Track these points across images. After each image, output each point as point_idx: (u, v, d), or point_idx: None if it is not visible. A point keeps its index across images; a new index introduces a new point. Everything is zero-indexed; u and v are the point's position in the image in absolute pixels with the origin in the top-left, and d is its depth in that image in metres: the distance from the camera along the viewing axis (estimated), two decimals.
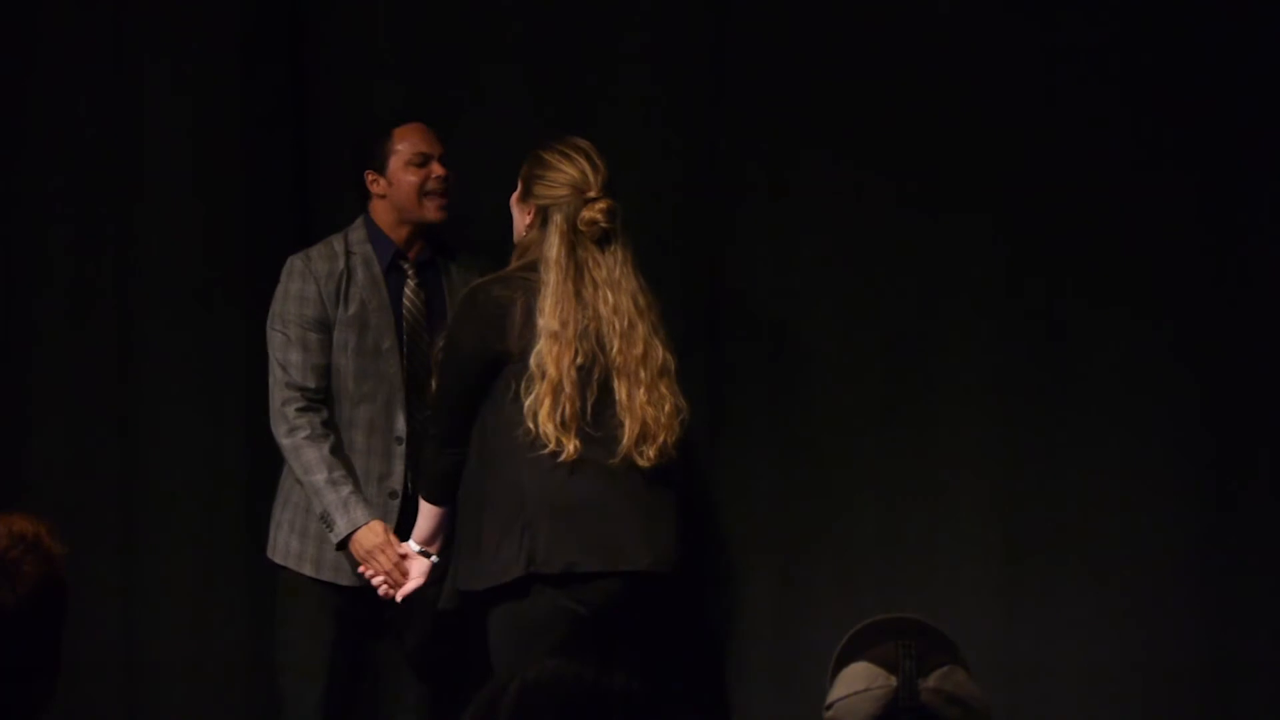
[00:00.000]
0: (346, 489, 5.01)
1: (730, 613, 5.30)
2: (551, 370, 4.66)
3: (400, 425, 5.09)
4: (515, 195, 4.87)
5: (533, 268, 4.77)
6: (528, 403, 4.66)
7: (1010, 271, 5.14)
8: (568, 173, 4.78)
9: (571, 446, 4.63)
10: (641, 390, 4.70)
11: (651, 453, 4.68)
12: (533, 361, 4.67)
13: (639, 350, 4.73)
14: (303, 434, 5.02)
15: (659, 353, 4.74)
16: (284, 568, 5.13)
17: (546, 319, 4.70)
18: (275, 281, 5.15)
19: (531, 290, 4.73)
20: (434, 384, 4.92)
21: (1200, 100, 5.01)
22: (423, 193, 5.11)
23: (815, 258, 5.27)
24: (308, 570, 5.09)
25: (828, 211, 5.24)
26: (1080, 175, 5.09)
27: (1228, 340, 4.99)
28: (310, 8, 5.59)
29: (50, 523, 2.66)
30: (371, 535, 4.99)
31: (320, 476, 5.00)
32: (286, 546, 5.12)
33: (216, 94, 5.53)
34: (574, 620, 4.65)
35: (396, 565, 4.97)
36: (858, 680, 2.64)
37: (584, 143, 4.82)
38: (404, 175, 5.11)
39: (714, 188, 5.33)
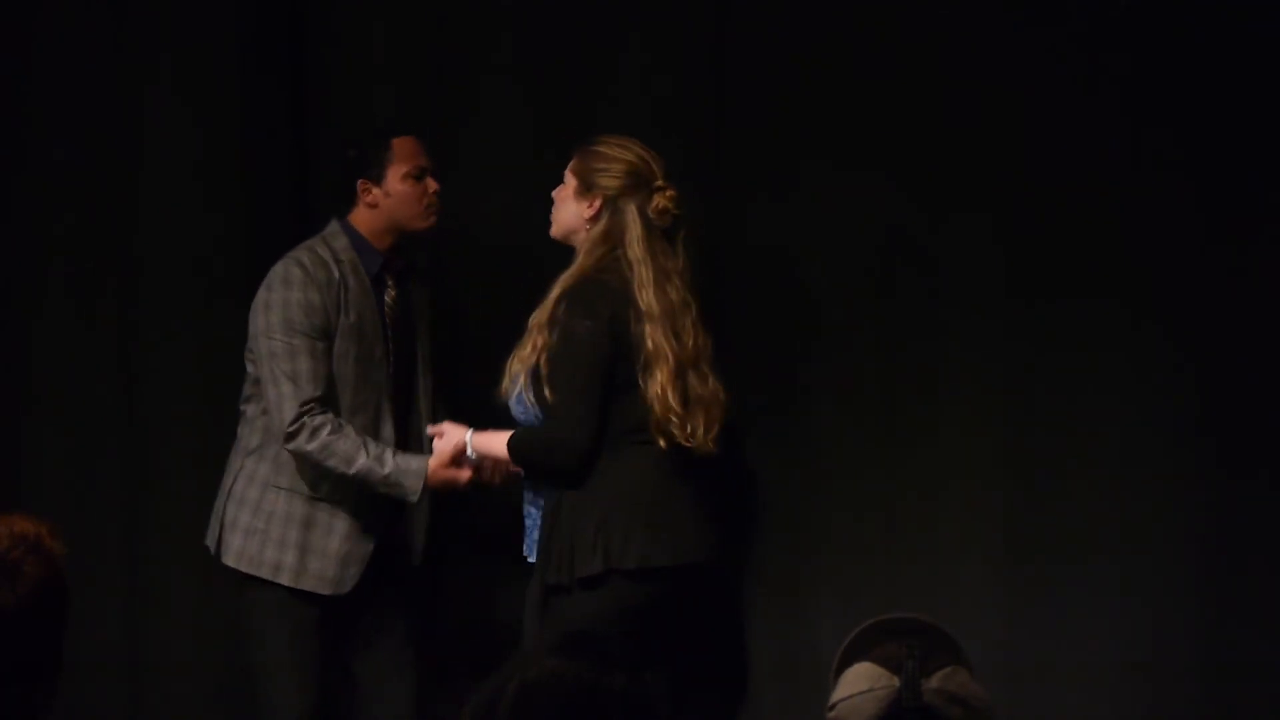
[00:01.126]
0: (388, 454, 4.99)
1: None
2: (671, 354, 4.77)
3: (388, 432, 5.10)
4: (569, 190, 4.91)
5: (612, 257, 4.83)
6: (652, 387, 4.76)
7: (1011, 272, 5.13)
8: (630, 161, 4.87)
9: (690, 427, 4.77)
10: (707, 379, 4.85)
11: (712, 440, 4.83)
12: (649, 345, 4.76)
13: (701, 339, 4.85)
14: (326, 431, 4.98)
15: (709, 342, 4.87)
16: (255, 578, 5.08)
17: (649, 303, 4.79)
18: None
19: (625, 278, 4.80)
20: (552, 388, 4.80)
21: (1200, 100, 5.00)
22: (421, 205, 5.11)
23: (816, 258, 5.27)
24: (285, 580, 5.06)
25: (829, 212, 5.24)
26: (1080, 175, 5.09)
27: (1229, 340, 4.99)
28: (311, 10, 5.58)
29: (51, 523, 2.66)
30: (434, 462, 4.99)
31: (362, 459, 4.97)
32: (259, 556, 5.07)
33: (217, 97, 5.54)
34: (646, 609, 4.73)
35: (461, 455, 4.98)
36: (861, 680, 2.64)
37: (628, 138, 4.91)
38: (401, 187, 5.10)
39: (715, 188, 5.33)
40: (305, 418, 4.98)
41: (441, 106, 5.50)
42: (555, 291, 4.84)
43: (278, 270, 5.06)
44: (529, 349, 4.84)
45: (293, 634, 5.07)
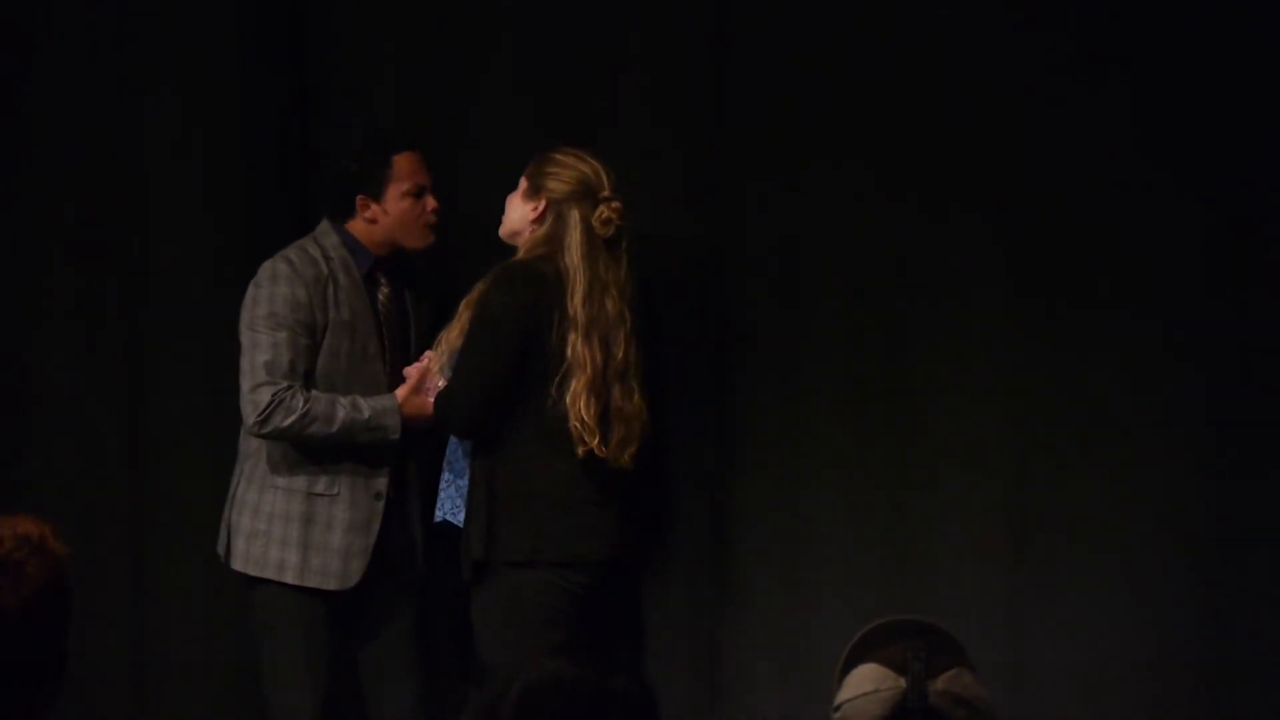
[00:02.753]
0: (362, 401, 5.04)
1: (732, 612, 5.29)
2: (589, 365, 4.86)
3: None
4: (519, 192, 5.02)
5: (548, 259, 4.92)
6: (569, 395, 4.86)
7: (1012, 272, 5.13)
8: (580, 170, 4.97)
9: (595, 442, 4.85)
10: (632, 395, 4.94)
11: (628, 456, 4.94)
12: (570, 353, 4.87)
13: (632, 355, 4.95)
14: (299, 401, 5.01)
15: (641, 359, 4.96)
16: (261, 579, 5.10)
17: (578, 312, 4.88)
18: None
19: (557, 278, 4.89)
20: (456, 364, 4.97)
21: (1200, 100, 5.00)
22: (419, 224, 5.14)
23: (818, 258, 5.26)
24: (290, 579, 5.08)
25: (830, 212, 5.23)
26: (1080, 175, 5.08)
27: (1229, 340, 4.98)
28: (311, 10, 5.58)
29: (54, 524, 2.66)
30: (401, 392, 5.06)
31: (342, 413, 5.01)
32: (263, 557, 5.09)
33: (217, 98, 5.54)
34: (565, 600, 4.91)
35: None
36: (866, 682, 2.64)
37: (588, 150, 5.02)
38: (401, 205, 5.13)
39: (715, 188, 5.32)
40: (283, 398, 5.01)
41: (441, 106, 5.50)
42: (496, 270, 4.97)
43: (265, 267, 5.10)
44: (456, 330, 4.97)
45: (302, 633, 5.08)
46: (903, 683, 2.63)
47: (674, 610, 5.33)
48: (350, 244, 5.14)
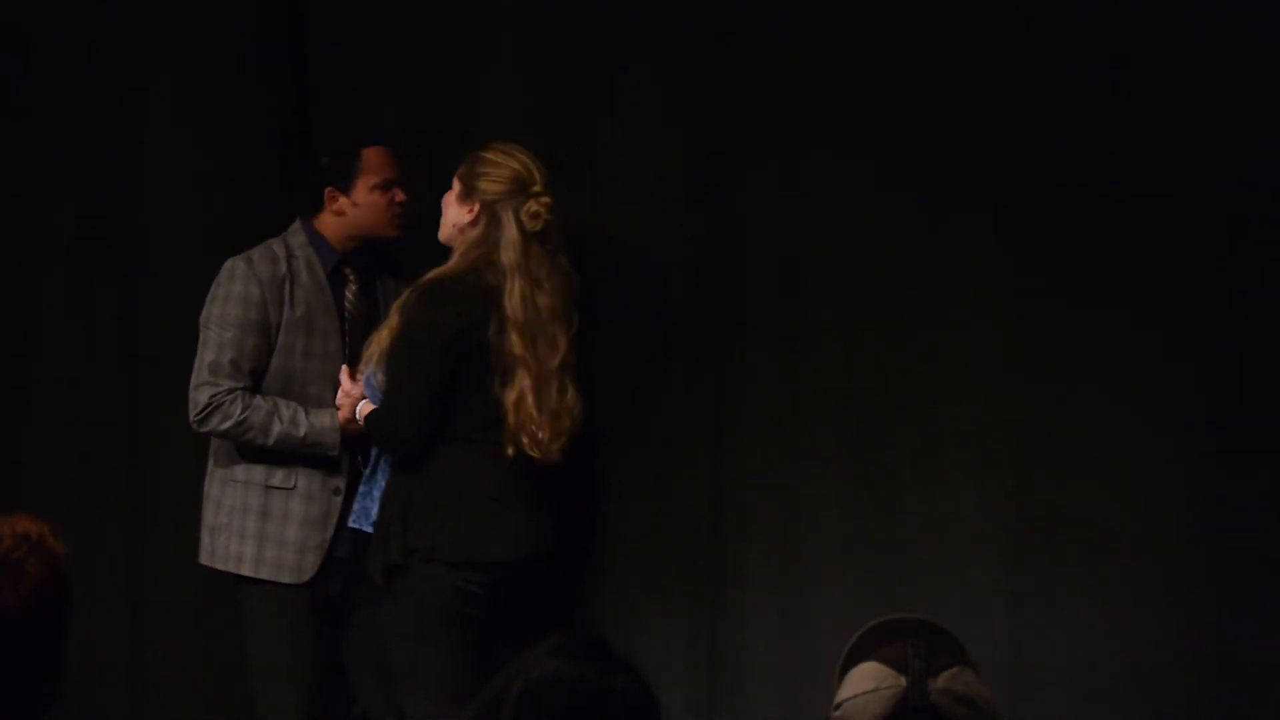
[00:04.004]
0: (301, 415, 5.09)
1: (731, 611, 5.29)
2: (532, 363, 4.89)
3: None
4: (453, 194, 5.04)
5: (485, 261, 4.93)
6: (510, 394, 4.88)
7: (1013, 272, 5.12)
8: (511, 168, 4.98)
9: (533, 439, 4.89)
10: (566, 392, 4.96)
11: (557, 450, 4.96)
12: (509, 353, 4.88)
13: (561, 350, 4.96)
14: (238, 408, 5.07)
15: (573, 354, 4.98)
16: (239, 576, 5.16)
17: (515, 311, 4.90)
18: None
19: (491, 283, 4.90)
20: (386, 386, 4.98)
21: (1201, 100, 5.00)
22: (387, 216, 5.18)
23: (817, 257, 5.26)
24: (247, 570, 5.15)
25: (830, 211, 5.23)
26: (1080, 175, 5.08)
27: (1230, 339, 4.98)
28: (311, 10, 5.58)
29: (53, 523, 2.66)
30: (342, 414, 5.10)
31: (278, 427, 5.08)
32: (225, 550, 5.17)
33: (217, 98, 5.55)
34: (460, 600, 4.91)
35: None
36: (867, 680, 2.64)
37: (514, 146, 5.02)
38: (369, 198, 5.19)
39: (715, 188, 5.32)
40: (216, 398, 5.07)
41: (441, 106, 5.50)
42: (419, 283, 4.98)
43: (226, 266, 5.17)
44: (385, 333, 4.98)
45: (286, 628, 5.13)
46: (903, 681, 2.63)
47: (672, 608, 5.32)
48: (316, 241, 5.21)
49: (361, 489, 5.10)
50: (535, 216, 4.95)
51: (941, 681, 2.63)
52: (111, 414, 5.56)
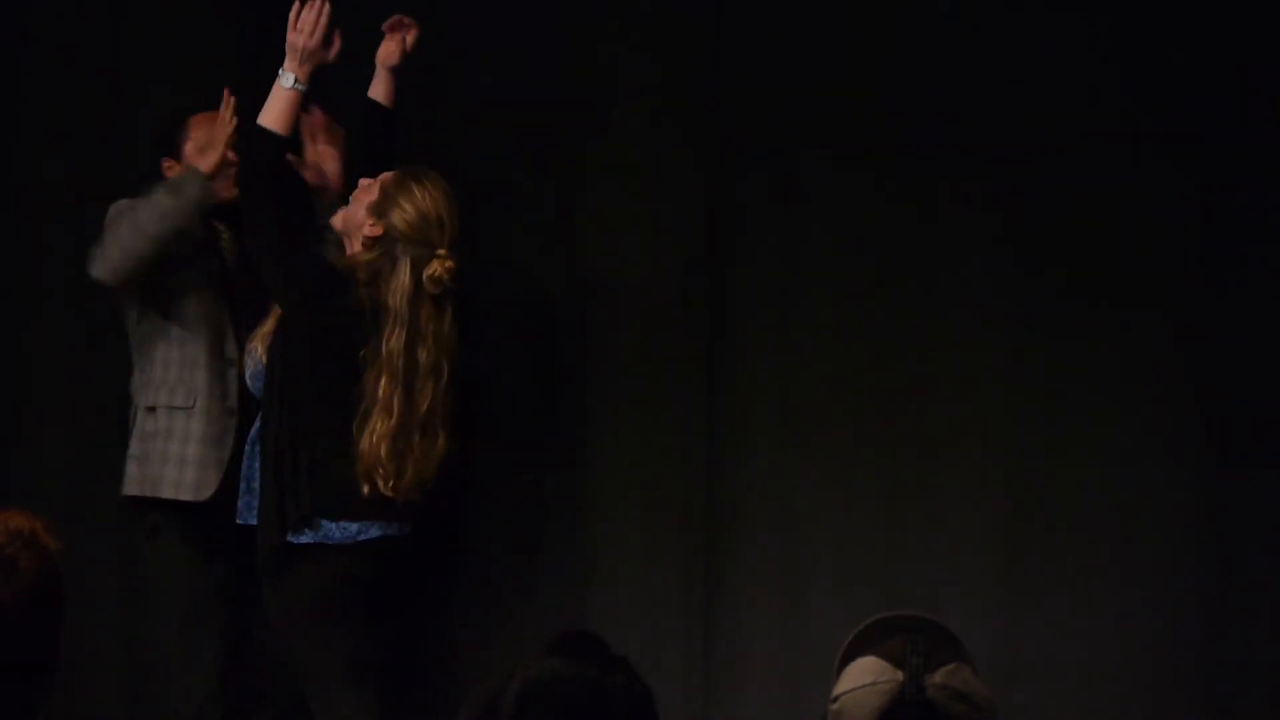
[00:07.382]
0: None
1: (729, 607, 5.29)
2: (396, 409, 4.77)
3: (230, 349, 5.19)
4: (371, 196, 4.89)
5: (374, 278, 4.81)
6: (365, 436, 4.76)
7: (1011, 271, 5.14)
8: (428, 215, 4.83)
9: (392, 481, 4.78)
10: (436, 439, 4.84)
11: (416, 495, 4.84)
12: (373, 394, 4.77)
13: (439, 402, 4.83)
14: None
15: (445, 400, 4.83)
16: (146, 504, 5.19)
17: (389, 355, 4.78)
18: None
19: (379, 304, 4.79)
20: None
21: (1200, 100, 5.00)
22: (221, 176, 5.17)
23: (816, 257, 5.26)
24: (148, 490, 5.18)
25: (829, 211, 5.24)
26: (1080, 175, 5.09)
27: (1229, 338, 4.99)
28: None
29: (46, 519, 2.65)
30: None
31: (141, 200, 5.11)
32: (138, 475, 5.21)
33: (217, 98, 5.52)
34: (345, 586, 4.81)
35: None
36: (864, 674, 2.65)
37: (446, 190, 4.87)
38: (196, 160, 5.20)
39: (715, 188, 5.32)
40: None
41: (440, 106, 5.49)
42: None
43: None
44: (271, 322, 4.93)
45: (179, 551, 5.18)
46: (901, 676, 2.63)
47: (668, 605, 5.32)
48: None
49: (243, 485, 5.06)
50: (436, 281, 4.81)
51: (939, 677, 2.63)
52: (105, 410, 5.56)
